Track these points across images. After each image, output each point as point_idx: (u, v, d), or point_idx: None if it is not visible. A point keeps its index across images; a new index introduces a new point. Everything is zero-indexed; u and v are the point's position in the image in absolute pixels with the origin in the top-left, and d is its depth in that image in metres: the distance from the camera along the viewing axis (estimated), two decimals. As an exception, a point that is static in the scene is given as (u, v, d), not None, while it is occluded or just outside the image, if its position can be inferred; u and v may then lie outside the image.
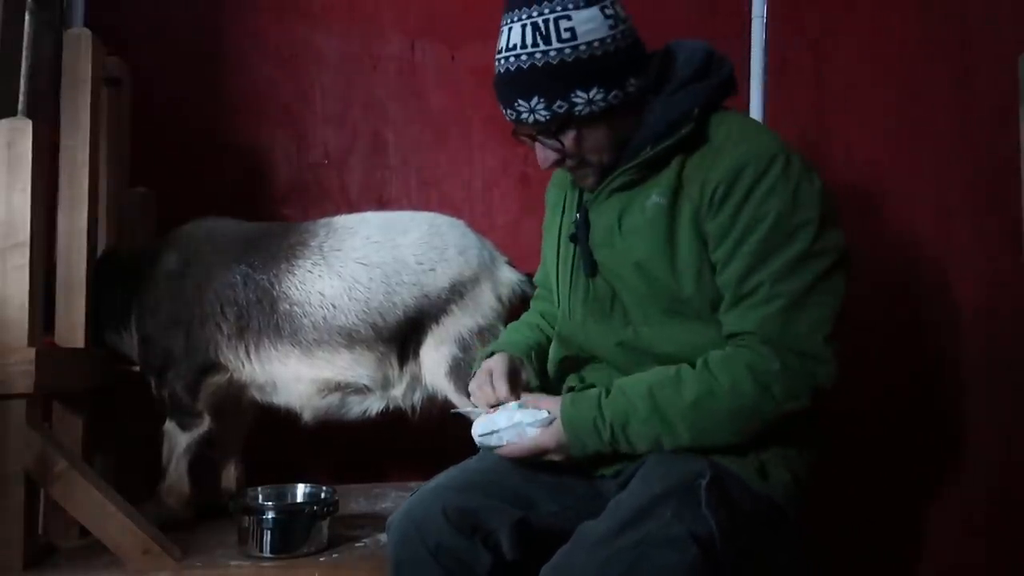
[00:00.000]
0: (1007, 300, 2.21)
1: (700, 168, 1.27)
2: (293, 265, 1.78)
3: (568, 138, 1.30)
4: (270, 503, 1.69)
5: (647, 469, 1.25)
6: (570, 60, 1.24)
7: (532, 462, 1.31)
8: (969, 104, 2.29)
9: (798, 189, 1.23)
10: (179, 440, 1.81)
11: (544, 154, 1.33)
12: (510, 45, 1.28)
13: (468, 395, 1.75)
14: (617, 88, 1.27)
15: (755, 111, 2.24)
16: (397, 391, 1.82)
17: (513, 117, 1.31)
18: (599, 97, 1.26)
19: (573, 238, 1.39)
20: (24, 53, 1.71)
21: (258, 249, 1.81)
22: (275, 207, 2.29)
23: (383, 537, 1.62)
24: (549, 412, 1.27)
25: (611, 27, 1.26)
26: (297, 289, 1.76)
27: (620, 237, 1.32)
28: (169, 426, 1.82)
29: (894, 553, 2.28)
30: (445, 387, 1.78)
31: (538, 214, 2.41)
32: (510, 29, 1.28)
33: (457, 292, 1.78)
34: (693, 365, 1.25)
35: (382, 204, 2.31)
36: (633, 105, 1.30)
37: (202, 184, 2.22)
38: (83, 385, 1.77)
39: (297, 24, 2.31)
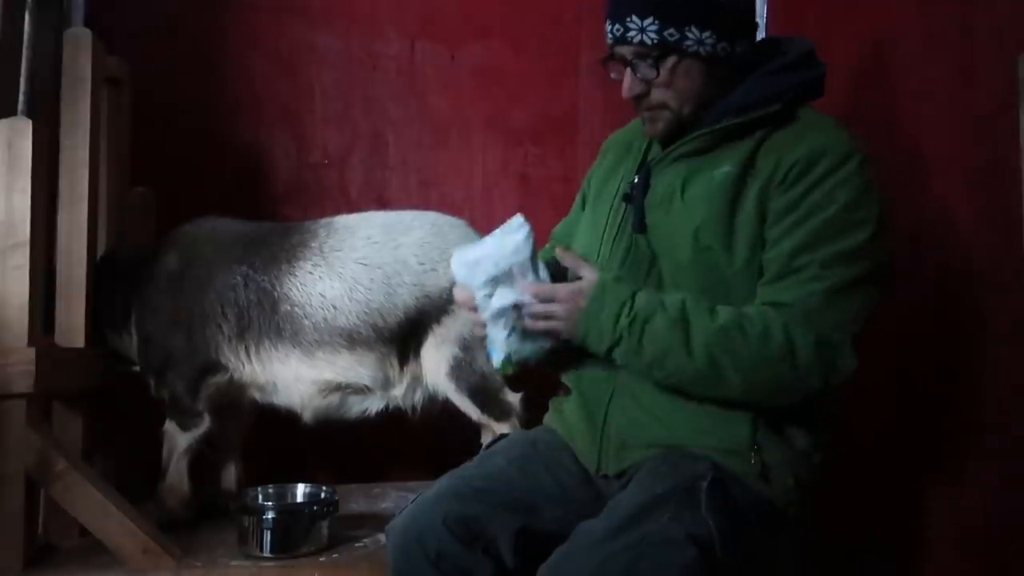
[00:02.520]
0: (1007, 300, 2.21)
1: (778, 147, 1.28)
2: (294, 266, 1.78)
3: (665, 68, 1.29)
4: (270, 503, 1.69)
5: (648, 470, 1.25)
6: None
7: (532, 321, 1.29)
8: (969, 104, 2.29)
9: (868, 189, 1.25)
10: (179, 440, 1.81)
11: (631, 82, 1.32)
12: None
13: (469, 395, 1.76)
14: (727, 41, 1.29)
15: (755, 111, 2.23)
16: (398, 391, 1.81)
17: (619, 33, 1.30)
18: (709, 41, 1.28)
19: (627, 198, 1.38)
20: (24, 53, 1.71)
21: (259, 250, 1.81)
22: (275, 207, 2.29)
23: (383, 537, 1.61)
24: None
25: None
26: (298, 290, 1.76)
27: (681, 202, 1.31)
28: (169, 426, 1.82)
29: (895, 558, 2.28)
30: (446, 387, 1.77)
31: (537, 214, 2.41)
32: None
33: None
34: None
35: (382, 204, 2.31)
36: (730, 67, 1.32)
37: (202, 184, 2.22)
38: (83, 385, 1.77)
39: (297, 24, 2.31)
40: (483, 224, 2.19)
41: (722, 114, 1.30)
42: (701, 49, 1.28)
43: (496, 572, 1.26)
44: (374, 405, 1.83)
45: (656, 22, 1.26)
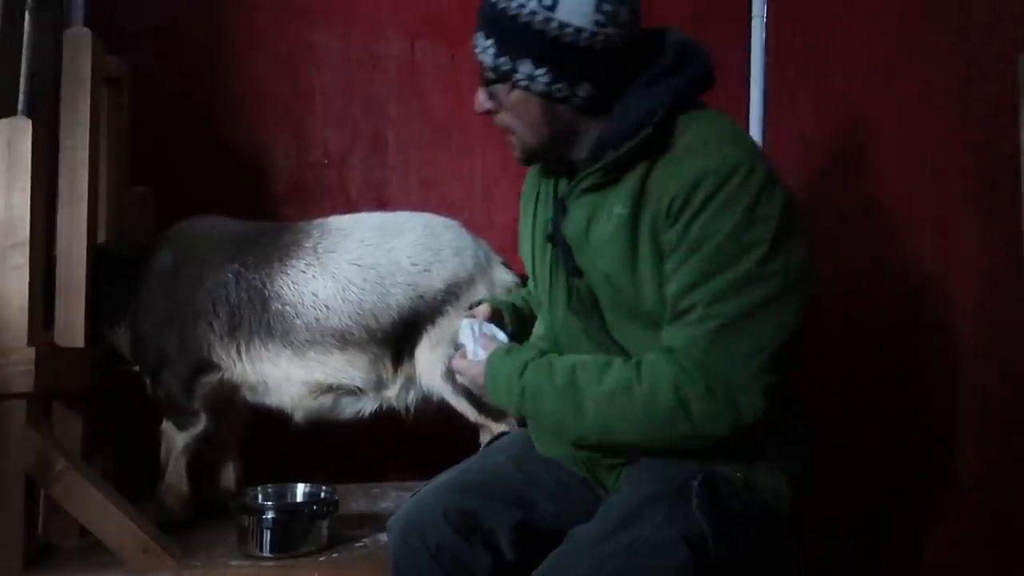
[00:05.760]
0: (1007, 301, 2.21)
1: (662, 177, 1.19)
2: (286, 265, 1.77)
3: (498, 94, 1.25)
4: (270, 503, 1.69)
5: (639, 471, 1.24)
6: (536, 27, 1.16)
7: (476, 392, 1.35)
8: (969, 104, 2.29)
9: (755, 205, 1.13)
10: (176, 440, 1.81)
11: (480, 98, 1.28)
12: None
13: (465, 396, 1.76)
14: (565, 83, 1.20)
15: (755, 111, 2.24)
16: (391, 392, 1.81)
17: (472, 46, 1.25)
18: (543, 80, 1.20)
19: (551, 238, 1.33)
20: (24, 53, 1.71)
21: (252, 248, 1.81)
22: (275, 207, 2.29)
23: (383, 537, 1.62)
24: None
25: (597, 23, 1.17)
26: (290, 289, 1.76)
27: (588, 244, 1.26)
28: (166, 426, 1.82)
29: (891, 557, 2.28)
30: (442, 388, 1.77)
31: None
32: None
33: (452, 293, 1.78)
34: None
35: (382, 204, 2.31)
36: (575, 109, 1.23)
37: (202, 184, 2.22)
38: (83, 385, 1.77)
39: (297, 24, 2.32)
40: (483, 224, 2.20)
41: (602, 150, 1.22)
42: (532, 86, 1.20)
43: (494, 565, 1.26)
44: (367, 406, 1.83)
45: (494, 46, 1.21)
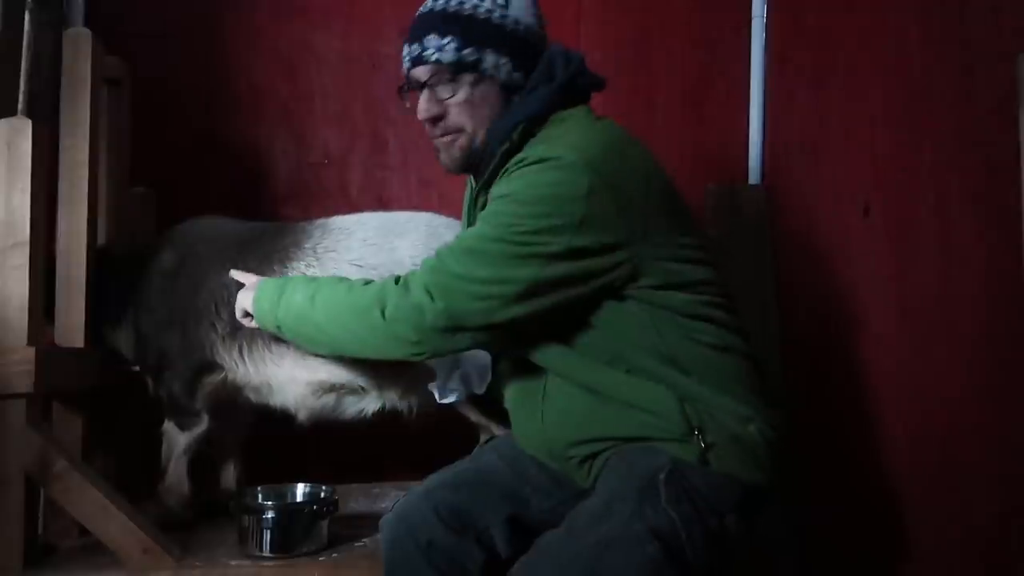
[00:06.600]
0: (1007, 300, 2.21)
1: None
2: (287, 266, 1.77)
3: (462, 86, 1.31)
4: (270, 503, 1.69)
5: (608, 471, 1.23)
6: (496, 22, 1.29)
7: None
8: (969, 104, 2.29)
9: (544, 185, 1.19)
10: (178, 440, 1.81)
11: (427, 104, 1.33)
12: None
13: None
14: (520, 72, 1.32)
15: (755, 111, 2.24)
16: (394, 392, 1.81)
17: (416, 53, 1.32)
18: (505, 67, 1.31)
19: None
20: (24, 53, 1.71)
21: (253, 249, 1.80)
22: (275, 207, 2.29)
23: (383, 537, 1.62)
24: None
25: (536, 23, 1.34)
26: None
27: None
28: (168, 426, 1.82)
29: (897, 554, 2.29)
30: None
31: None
32: None
33: None
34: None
35: (382, 204, 2.31)
36: (520, 96, 1.33)
37: (202, 184, 2.22)
38: (83, 385, 1.77)
39: (297, 24, 2.31)
40: (483, 224, 2.19)
41: (489, 158, 1.32)
42: (497, 74, 1.31)
43: (487, 561, 1.27)
44: (370, 406, 1.82)
45: (455, 40, 1.29)
